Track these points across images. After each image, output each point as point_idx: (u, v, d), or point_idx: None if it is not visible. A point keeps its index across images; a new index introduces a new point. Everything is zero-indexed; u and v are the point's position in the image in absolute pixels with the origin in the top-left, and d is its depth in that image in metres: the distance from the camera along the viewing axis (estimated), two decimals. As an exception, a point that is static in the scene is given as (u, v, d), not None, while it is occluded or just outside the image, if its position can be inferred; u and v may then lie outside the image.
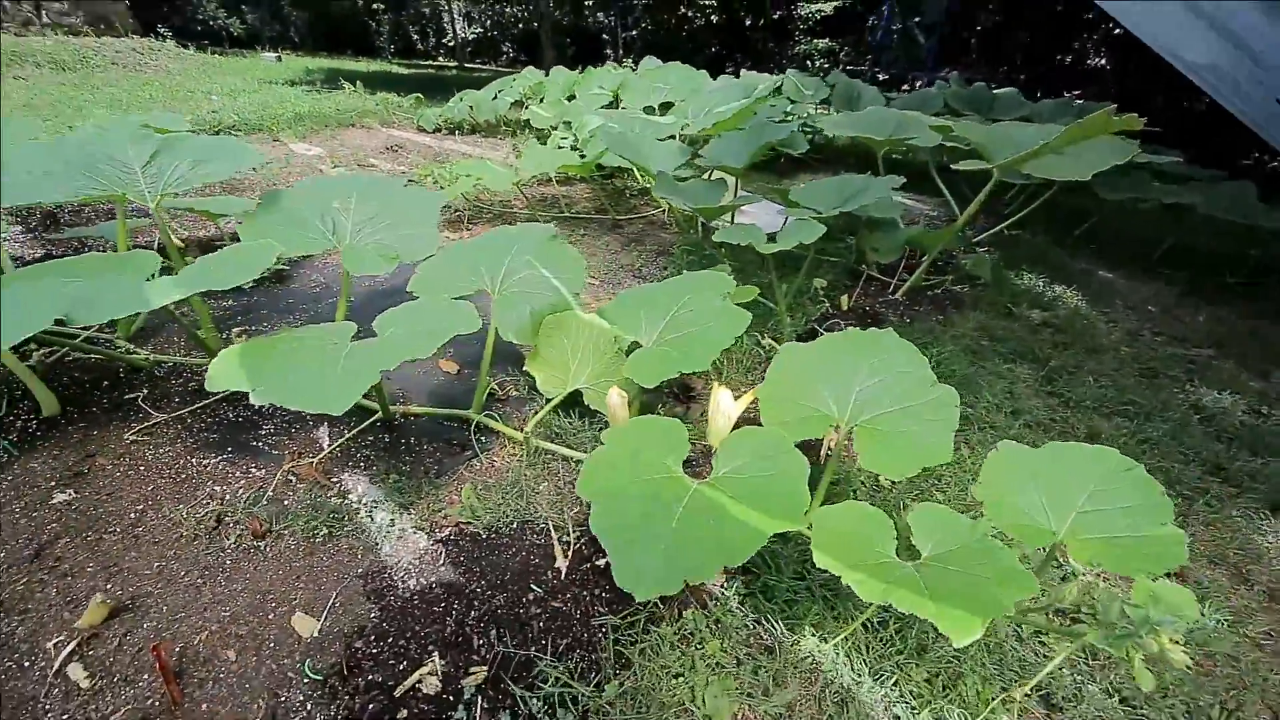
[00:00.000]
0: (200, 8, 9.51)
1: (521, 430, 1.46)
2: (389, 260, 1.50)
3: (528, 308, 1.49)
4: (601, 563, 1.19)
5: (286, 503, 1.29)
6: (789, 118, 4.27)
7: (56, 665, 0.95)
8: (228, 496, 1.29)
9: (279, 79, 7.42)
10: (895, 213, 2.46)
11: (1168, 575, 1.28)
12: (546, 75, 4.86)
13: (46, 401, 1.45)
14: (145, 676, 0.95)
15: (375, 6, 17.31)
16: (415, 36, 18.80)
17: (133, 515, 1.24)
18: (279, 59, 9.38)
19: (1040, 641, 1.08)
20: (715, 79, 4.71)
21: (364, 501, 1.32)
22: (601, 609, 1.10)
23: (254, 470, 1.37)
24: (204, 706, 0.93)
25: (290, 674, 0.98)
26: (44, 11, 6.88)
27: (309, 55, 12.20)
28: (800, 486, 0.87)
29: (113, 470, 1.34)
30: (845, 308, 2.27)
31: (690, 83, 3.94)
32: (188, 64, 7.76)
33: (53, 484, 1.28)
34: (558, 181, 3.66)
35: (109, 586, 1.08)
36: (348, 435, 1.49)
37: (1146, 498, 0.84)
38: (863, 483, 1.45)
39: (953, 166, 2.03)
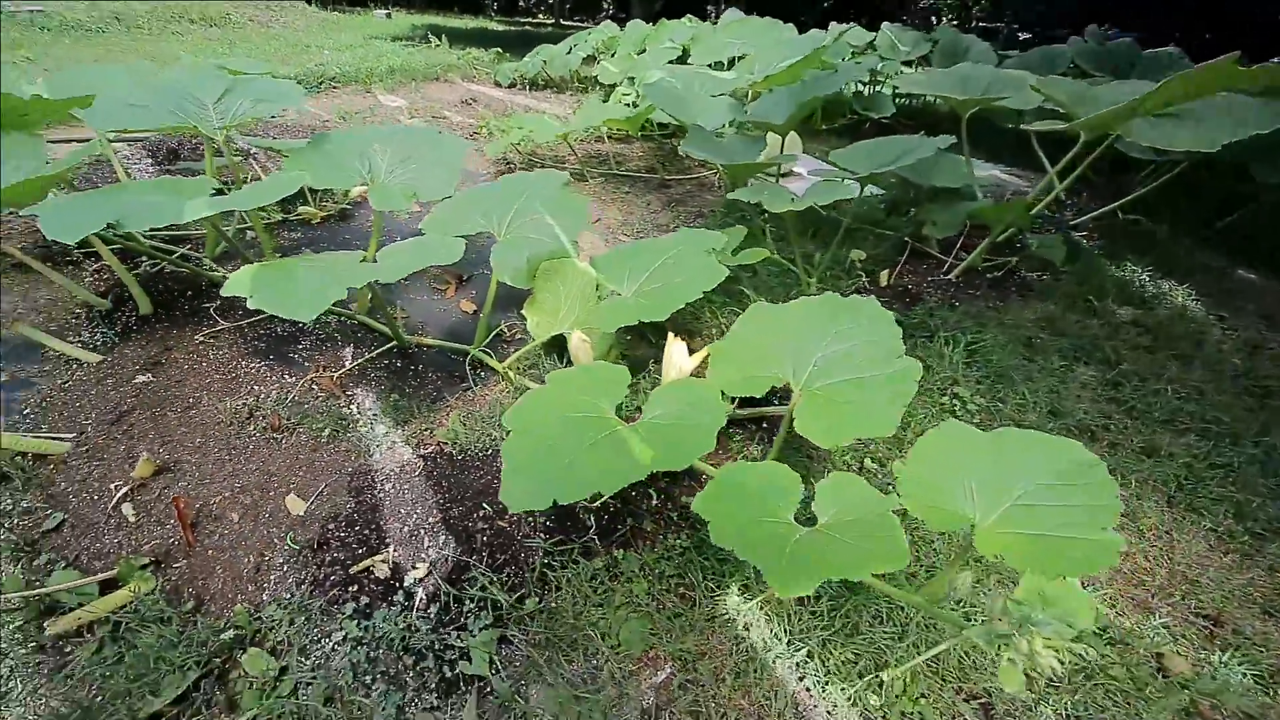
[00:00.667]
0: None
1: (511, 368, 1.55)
2: (408, 198, 1.62)
3: (525, 253, 1.55)
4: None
5: (305, 406, 1.49)
6: (878, 75, 3.90)
7: (114, 502, 1.20)
8: (261, 395, 1.51)
9: (384, 34, 7.92)
10: (961, 182, 2.20)
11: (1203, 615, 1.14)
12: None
13: (143, 303, 1.75)
14: (172, 521, 1.18)
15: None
16: (518, -7, 19.01)
17: (190, 400, 1.49)
18: (389, 16, 9.97)
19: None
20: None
21: (367, 414, 1.49)
22: (541, 535, 1.18)
23: (286, 377, 1.59)
24: (209, 553, 1.14)
25: (276, 541, 1.16)
26: (200, -28, 7.78)
27: (416, 12, 12.84)
28: (708, 436, 0.87)
29: (182, 363, 1.61)
30: (884, 284, 2.11)
31: (769, 37, 3.68)
32: (311, 21, 8.49)
33: (137, 367, 1.57)
34: (615, 139, 3.64)
35: (160, 451, 1.33)
36: (366, 357, 1.66)
37: (1096, 499, 0.75)
38: (847, 462, 1.39)
39: (1023, 127, 1.77)
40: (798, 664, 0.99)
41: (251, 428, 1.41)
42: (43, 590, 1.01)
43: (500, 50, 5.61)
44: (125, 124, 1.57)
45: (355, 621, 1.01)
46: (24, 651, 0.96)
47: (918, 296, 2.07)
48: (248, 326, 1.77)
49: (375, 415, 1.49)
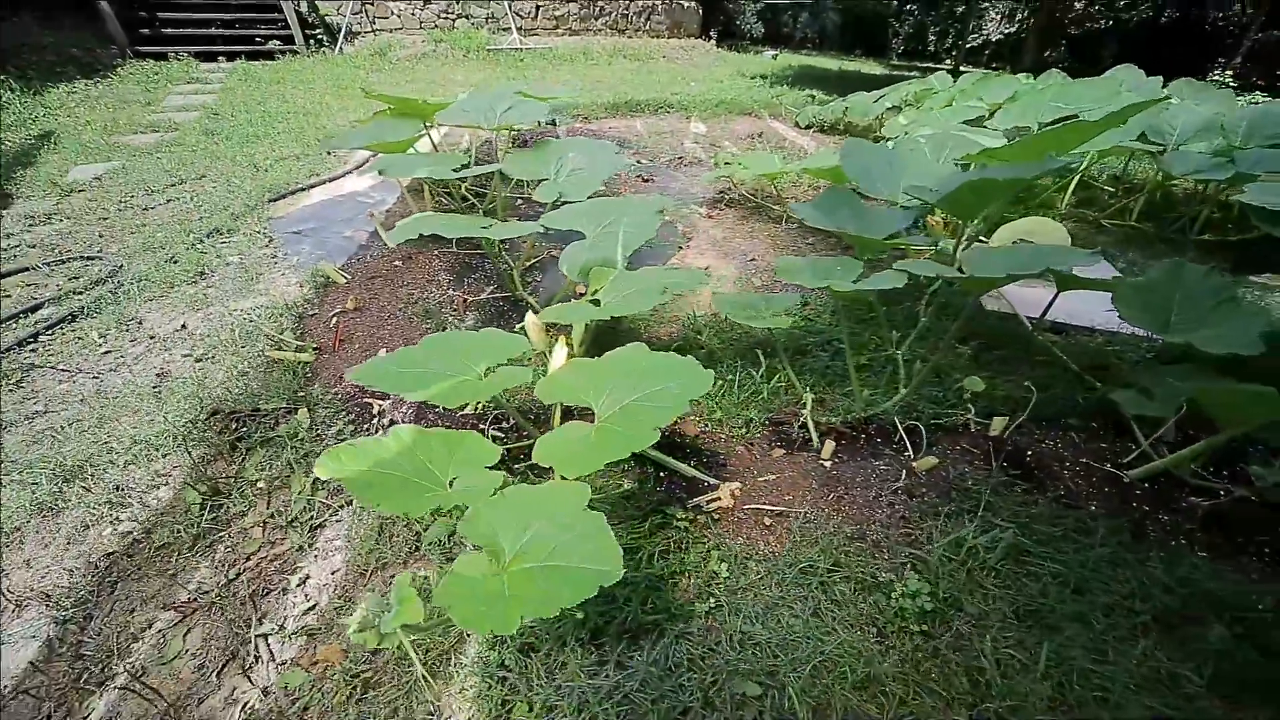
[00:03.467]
0: (745, 12, 12.30)
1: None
2: (554, 194, 2.19)
3: (586, 256, 1.89)
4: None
5: (441, 311, 2.25)
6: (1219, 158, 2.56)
7: (333, 315, 2.17)
8: (426, 298, 2.35)
9: (755, 73, 9.02)
10: (1248, 347, 1.39)
11: None
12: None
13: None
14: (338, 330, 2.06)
15: (908, 7, 17.49)
16: (933, 37, 18.12)
17: (396, 290, 2.45)
18: (775, 57, 11.16)
19: None
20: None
21: (464, 324, 2.15)
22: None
23: (449, 290, 2.40)
24: (338, 360, 1.96)
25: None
26: (649, 20, 10.44)
27: (807, 54, 13.83)
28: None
29: (413, 266, 2.62)
30: (995, 432, 1.56)
31: (1107, 98, 2.80)
32: (709, 57, 10.32)
33: (393, 260, 2.64)
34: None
35: (361, 298, 2.28)
36: (488, 294, 2.34)
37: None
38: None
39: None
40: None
41: (409, 311, 2.24)
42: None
43: (814, 94, 5.79)
44: (459, 121, 2.61)
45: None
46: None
47: (1047, 476, 1.46)
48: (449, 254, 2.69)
49: (467, 324, 2.13)
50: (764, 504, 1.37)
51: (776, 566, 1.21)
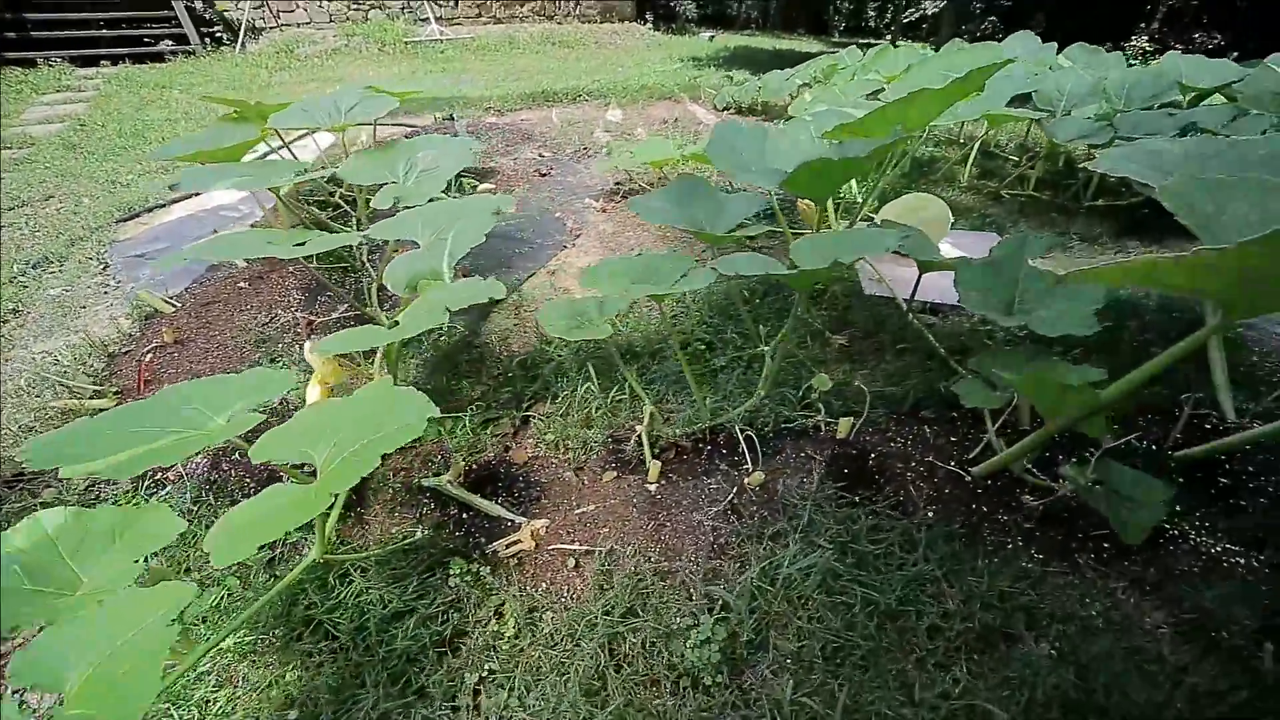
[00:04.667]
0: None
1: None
2: (391, 199, 1.98)
3: (413, 268, 1.70)
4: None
5: (276, 335, 2.03)
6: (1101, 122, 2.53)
7: (147, 351, 1.93)
8: (262, 319, 2.12)
9: (688, 57, 8.81)
10: (1081, 327, 1.30)
11: None
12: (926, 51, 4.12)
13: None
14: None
15: (844, -19, 17.49)
16: (872, 13, 18.19)
17: (230, 311, 2.21)
18: (711, 39, 10.96)
19: None
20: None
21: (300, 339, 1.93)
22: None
23: (289, 310, 2.17)
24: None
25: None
26: (579, 4, 10.10)
27: (747, 35, 13.68)
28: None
29: (266, 282, 2.37)
30: (843, 434, 1.44)
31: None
32: (640, 43, 10.06)
33: (243, 280, 2.39)
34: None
35: (185, 329, 2.04)
36: (339, 314, 2.12)
37: None
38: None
39: None
40: None
41: (240, 341, 2.02)
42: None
43: (730, 74, 5.65)
44: (296, 124, 2.36)
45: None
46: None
47: (886, 480, 1.35)
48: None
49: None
50: (571, 542, 1.22)
51: (571, 618, 1.07)
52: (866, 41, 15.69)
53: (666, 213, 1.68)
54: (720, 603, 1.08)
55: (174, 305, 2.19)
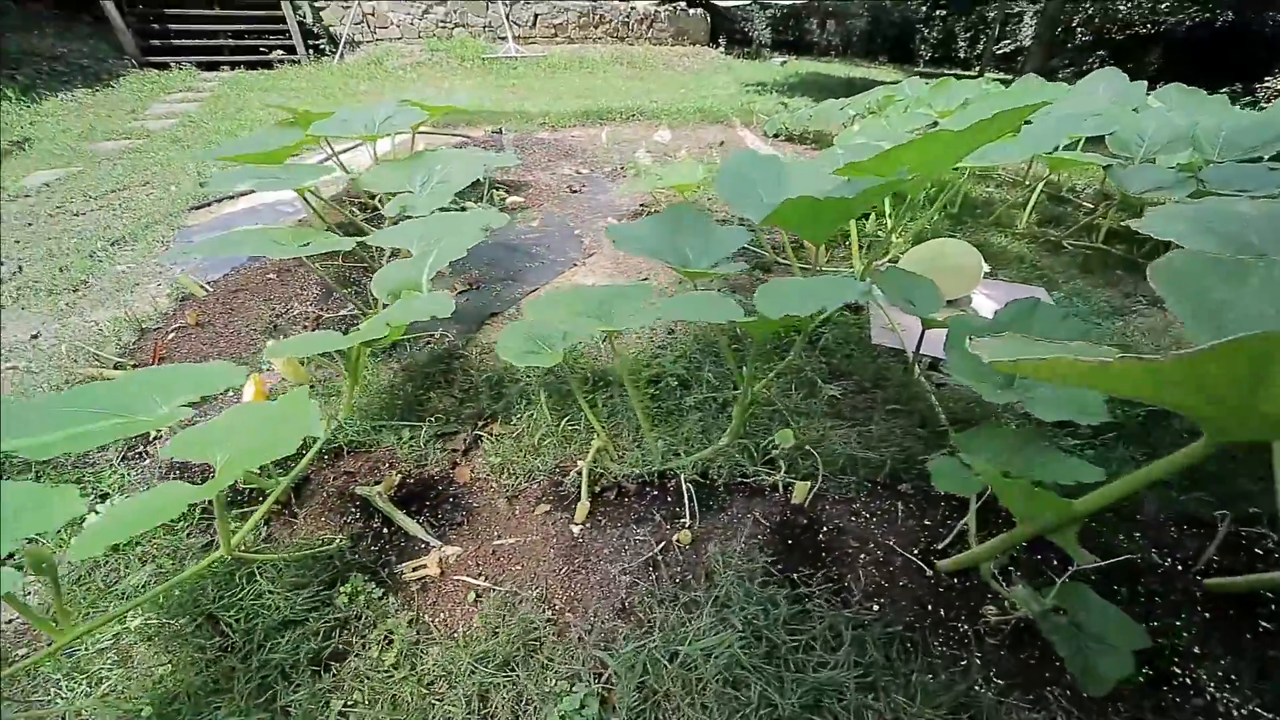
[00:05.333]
0: (755, 19, 11.96)
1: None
2: (398, 209, 2.06)
3: (398, 277, 1.74)
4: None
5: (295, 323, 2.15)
6: (1185, 173, 2.19)
7: (170, 330, 2.10)
8: (280, 311, 2.26)
9: (755, 81, 8.75)
10: (1084, 416, 1.10)
11: None
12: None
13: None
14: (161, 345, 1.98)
15: (938, 11, 16.85)
16: (962, 43, 17.38)
17: (275, 308, 2.36)
18: (783, 64, 10.86)
19: None
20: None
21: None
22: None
23: (303, 306, 2.29)
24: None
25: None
26: (652, 27, 10.32)
27: (826, 61, 13.43)
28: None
29: (277, 278, 2.53)
30: (798, 500, 1.30)
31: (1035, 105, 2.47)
32: (712, 65, 10.11)
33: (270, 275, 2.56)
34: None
35: (207, 313, 2.20)
36: (338, 313, 2.22)
37: None
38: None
39: None
40: None
41: (254, 329, 2.15)
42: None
43: (785, 102, 5.51)
44: (334, 132, 2.53)
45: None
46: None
47: (833, 560, 1.21)
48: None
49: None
50: (478, 575, 1.17)
51: (453, 658, 1.02)
52: (951, 73, 15.00)
53: (646, 242, 1.62)
54: (609, 673, 0.99)
55: (206, 290, 2.37)
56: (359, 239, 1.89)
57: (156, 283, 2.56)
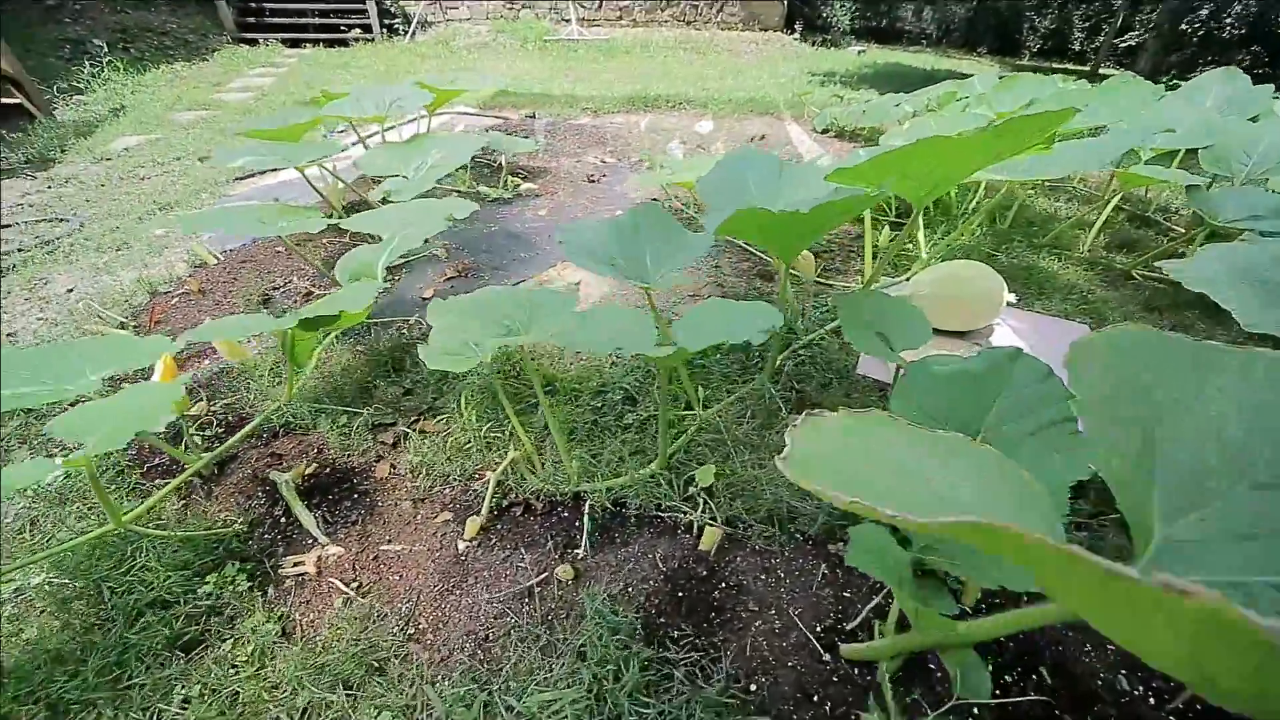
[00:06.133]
0: (834, 4, 11.14)
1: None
2: (383, 194, 2.06)
3: (356, 262, 1.74)
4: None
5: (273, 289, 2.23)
6: None
7: (173, 295, 2.23)
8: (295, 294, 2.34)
9: (823, 70, 8.23)
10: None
11: None
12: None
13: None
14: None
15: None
16: (1080, 34, 15.52)
17: (277, 282, 2.46)
18: (860, 53, 10.13)
19: None
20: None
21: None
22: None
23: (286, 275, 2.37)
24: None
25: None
26: (722, 11, 9.93)
27: (915, 51, 12.41)
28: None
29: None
30: (705, 547, 1.17)
31: (1124, 110, 2.08)
32: (781, 52, 9.61)
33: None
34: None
35: (210, 282, 2.32)
36: (305, 290, 2.27)
37: None
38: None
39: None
40: None
41: (251, 300, 2.25)
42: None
43: (841, 95, 5.08)
44: (346, 113, 2.58)
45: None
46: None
47: (721, 625, 1.07)
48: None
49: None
50: (352, 581, 1.14)
51: (298, 667, 0.99)
52: (1062, 68, 13.47)
53: (596, 251, 1.50)
54: (436, 715, 0.92)
55: (218, 259, 2.51)
56: (331, 221, 1.90)
57: (184, 247, 2.74)
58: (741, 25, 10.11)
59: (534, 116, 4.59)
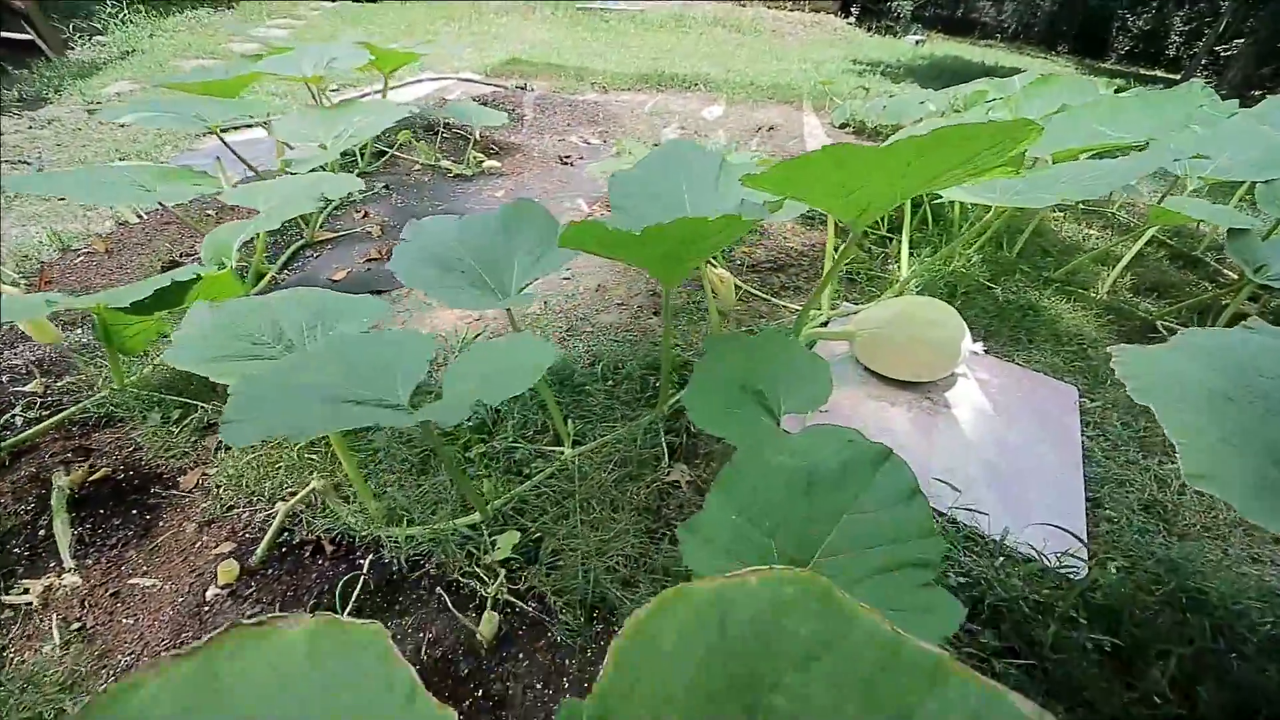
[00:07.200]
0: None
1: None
2: (285, 163, 1.87)
3: (220, 239, 1.57)
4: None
5: (182, 266, 2.10)
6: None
7: (78, 254, 2.13)
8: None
9: (869, 59, 7.60)
10: None
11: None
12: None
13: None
14: (58, 274, 2.00)
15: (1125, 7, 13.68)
16: (1177, 38, 13.98)
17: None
18: (918, 43, 9.35)
19: None
20: None
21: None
22: None
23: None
24: (29, 297, 1.89)
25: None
26: (770, -11, 9.31)
27: (986, 45, 11.42)
28: None
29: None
30: (486, 636, 0.96)
31: (1161, 127, 1.68)
32: (829, 36, 8.95)
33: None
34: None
35: (120, 243, 2.20)
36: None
37: None
38: None
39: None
40: None
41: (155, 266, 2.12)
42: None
43: (866, 87, 4.60)
44: (283, 70, 2.40)
45: None
46: None
47: (480, 691, 0.86)
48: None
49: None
50: (76, 620, 0.98)
51: (-33, 723, 0.84)
52: (1150, 74, 12.22)
53: (443, 256, 1.27)
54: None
55: (141, 218, 2.40)
56: (213, 191, 1.73)
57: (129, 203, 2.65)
58: (791, 5, 9.45)
59: (524, 88, 4.32)
